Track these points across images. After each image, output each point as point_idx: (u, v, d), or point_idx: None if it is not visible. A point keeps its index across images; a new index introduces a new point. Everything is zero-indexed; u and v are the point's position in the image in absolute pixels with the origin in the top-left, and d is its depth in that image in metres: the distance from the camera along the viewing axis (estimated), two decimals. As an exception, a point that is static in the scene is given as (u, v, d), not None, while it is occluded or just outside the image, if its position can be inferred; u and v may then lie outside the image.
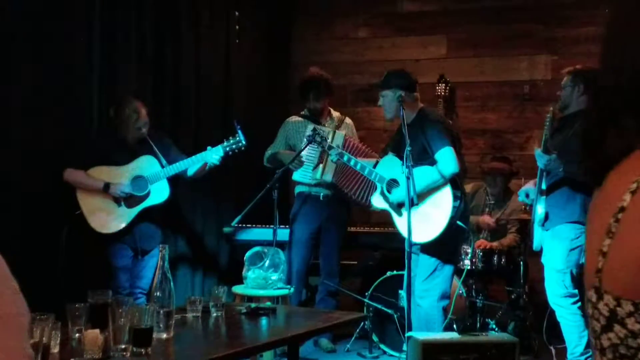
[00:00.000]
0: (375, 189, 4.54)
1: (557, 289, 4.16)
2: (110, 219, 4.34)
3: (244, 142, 4.50)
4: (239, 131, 4.50)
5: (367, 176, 4.47)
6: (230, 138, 4.51)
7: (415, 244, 4.16)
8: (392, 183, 4.33)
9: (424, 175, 4.09)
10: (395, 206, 4.33)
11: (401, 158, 4.11)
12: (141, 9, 5.00)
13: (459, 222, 4.18)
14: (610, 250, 0.88)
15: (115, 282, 4.32)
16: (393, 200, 4.32)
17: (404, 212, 4.22)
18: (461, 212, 4.21)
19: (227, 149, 4.48)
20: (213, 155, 4.45)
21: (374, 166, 4.43)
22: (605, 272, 0.89)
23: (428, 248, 4.25)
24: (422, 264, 4.27)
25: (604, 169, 0.94)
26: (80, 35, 4.51)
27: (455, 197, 4.16)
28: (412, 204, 4.00)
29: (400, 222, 4.30)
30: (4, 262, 1.00)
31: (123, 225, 4.35)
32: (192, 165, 4.46)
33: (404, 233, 4.19)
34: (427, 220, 4.12)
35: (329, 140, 4.95)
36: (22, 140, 4.10)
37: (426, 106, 4.49)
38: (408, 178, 3.99)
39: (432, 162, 4.16)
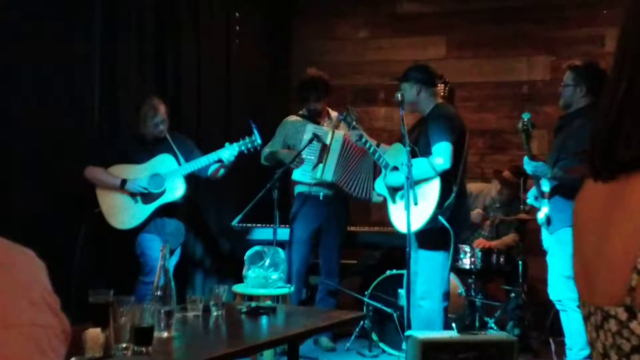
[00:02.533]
0: (373, 184, 4.67)
1: (568, 294, 4.11)
2: (127, 215, 4.42)
3: (259, 142, 4.56)
4: (255, 130, 4.54)
5: (375, 160, 4.51)
6: (247, 137, 4.56)
7: (400, 232, 4.18)
8: (395, 169, 4.36)
9: (415, 166, 4.11)
10: (391, 190, 4.36)
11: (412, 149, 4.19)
12: (141, 9, 5.01)
13: (441, 219, 4.12)
14: None
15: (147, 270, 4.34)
16: (387, 182, 4.37)
17: (398, 199, 4.27)
18: (452, 210, 4.16)
19: (243, 147, 4.54)
20: (228, 152, 4.50)
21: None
22: None
23: (425, 248, 4.26)
24: (421, 265, 4.28)
25: (628, 166, 0.87)
26: (80, 35, 4.53)
27: (444, 192, 4.14)
28: (408, 196, 4.01)
29: (393, 209, 4.35)
30: (33, 271, 1.00)
31: (139, 221, 4.43)
32: (207, 162, 4.50)
33: (395, 222, 4.28)
34: (413, 210, 4.12)
35: (329, 140, 4.99)
36: (21, 141, 4.11)
37: (444, 103, 4.52)
38: (407, 178, 4.00)
39: None
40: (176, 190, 4.48)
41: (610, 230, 0.88)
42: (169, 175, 4.46)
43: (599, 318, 0.90)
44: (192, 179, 4.66)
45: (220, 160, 4.52)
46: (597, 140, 0.93)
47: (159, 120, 4.47)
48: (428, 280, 4.26)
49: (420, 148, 4.19)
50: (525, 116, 4.12)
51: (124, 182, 4.39)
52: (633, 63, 0.91)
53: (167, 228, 4.54)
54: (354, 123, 4.59)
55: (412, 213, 4.03)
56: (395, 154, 4.39)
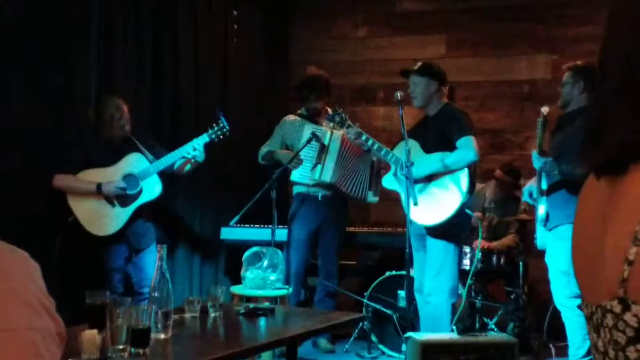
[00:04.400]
0: (371, 186, 4.72)
1: (563, 290, 4.12)
2: (107, 221, 4.32)
3: (227, 128, 4.50)
4: (222, 117, 4.50)
5: (383, 157, 4.49)
6: (214, 125, 4.51)
7: (418, 224, 4.20)
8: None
9: (434, 159, 4.21)
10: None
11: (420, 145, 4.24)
12: (140, 10, 5.00)
13: (468, 211, 4.21)
14: (639, 258, 0.83)
15: (109, 284, 4.31)
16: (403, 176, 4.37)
17: (416, 192, 4.28)
18: (469, 204, 4.25)
19: (213, 136, 4.48)
20: (197, 142, 4.42)
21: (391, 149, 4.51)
22: (633, 282, 0.84)
23: (435, 243, 4.26)
24: (430, 257, 4.28)
25: (622, 160, 0.88)
26: (80, 35, 4.51)
27: (470, 185, 4.21)
28: (408, 196, 4.02)
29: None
30: (28, 272, 0.98)
31: (120, 225, 4.33)
32: (179, 156, 4.42)
33: (411, 215, 4.27)
34: (436, 203, 4.14)
35: (327, 140, 4.97)
36: (21, 141, 4.09)
37: (451, 102, 4.60)
38: (407, 178, 4.00)
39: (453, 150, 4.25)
40: (153, 189, 4.39)
41: (608, 226, 0.89)
42: (143, 174, 4.35)
43: (599, 316, 0.90)
44: (183, 181, 4.61)
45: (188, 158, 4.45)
46: (587, 136, 0.94)
47: (125, 121, 4.38)
48: (437, 274, 4.26)
49: (428, 145, 4.21)
50: (544, 110, 4.18)
51: (99, 186, 4.26)
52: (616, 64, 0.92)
53: (136, 229, 4.42)
54: (348, 122, 4.58)
55: (436, 205, 4.15)
56: (403, 150, 4.39)
